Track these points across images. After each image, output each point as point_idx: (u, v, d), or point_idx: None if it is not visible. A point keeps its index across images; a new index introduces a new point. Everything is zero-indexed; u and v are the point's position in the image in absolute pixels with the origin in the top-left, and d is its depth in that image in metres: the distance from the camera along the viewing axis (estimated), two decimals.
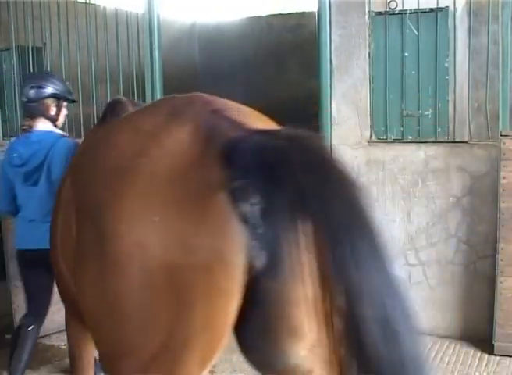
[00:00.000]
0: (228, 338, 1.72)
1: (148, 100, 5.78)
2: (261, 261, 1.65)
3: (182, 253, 1.67)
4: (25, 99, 4.09)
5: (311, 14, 8.63)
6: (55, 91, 4.08)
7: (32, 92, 4.04)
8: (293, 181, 1.65)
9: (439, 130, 4.90)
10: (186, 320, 1.68)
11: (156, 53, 5.74)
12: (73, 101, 4.46)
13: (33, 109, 4.06)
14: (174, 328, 1.69)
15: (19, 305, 5.04)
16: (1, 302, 5.32)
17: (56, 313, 5.27)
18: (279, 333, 1.70)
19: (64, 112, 4.22)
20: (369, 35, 5.01)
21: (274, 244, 1.64)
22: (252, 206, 1.65)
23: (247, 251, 1.65)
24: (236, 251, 1.65)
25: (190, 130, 1.80)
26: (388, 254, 1.73)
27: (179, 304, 1.68)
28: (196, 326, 1.67)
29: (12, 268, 5.00)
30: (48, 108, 4.07)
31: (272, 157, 1.68)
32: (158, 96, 5.78)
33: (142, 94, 5.79)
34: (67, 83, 4.59)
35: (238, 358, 4.75)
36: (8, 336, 5.13)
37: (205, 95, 2.13)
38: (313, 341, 1.70)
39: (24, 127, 4.12)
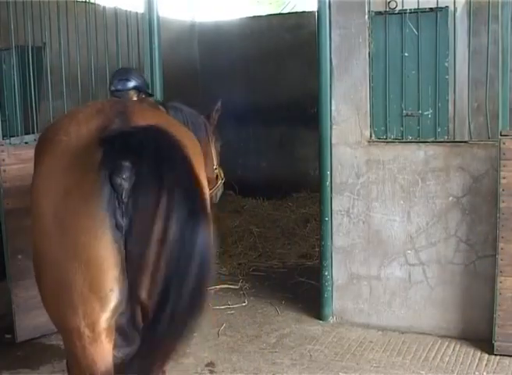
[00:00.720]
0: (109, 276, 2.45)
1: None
2: (125, 224, 2.40)
3: (64, 206, 2.47)
4: (113, 89, 4.84)
5: (310, 14, 8.64)
6: (136, 84, 4.85)
7: (119, 83, 4.79)
8: (146, 164, 2.38)
9: (438, 129, 4.90)
10: (72, 253, 2.46)
11: (156, 53, 5.76)
12: (151, 95, 5.12)
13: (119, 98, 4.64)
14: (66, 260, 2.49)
15: (19, 304, 5.04)
16: (1, 302, 5.32)
17: None
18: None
19: None
20: (369, 35, 5.01)
21: (133, 211, 2.39)
22: (122, 180, 2.37)
23: (114, 214, 2.39)
24: (103, 210, 2.38)
25: (98, 123, 2.62)
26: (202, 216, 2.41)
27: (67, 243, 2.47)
28: (79, 258, 2.45)
29: (13, 268, 5.01)
30: (130, 98, 4.74)
31: (134, 145, 2.40)
32: (158, 95, 5.79)
33: None
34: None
35: (238, 357, 4.78)
36: (8, 336, 5.14)
37: (124, 101, 3.26)
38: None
39: None
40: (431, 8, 4.82)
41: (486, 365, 4.52)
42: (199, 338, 5.17)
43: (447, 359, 4.63)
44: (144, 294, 2.52)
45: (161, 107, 4.39)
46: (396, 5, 4.97)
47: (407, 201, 5.00)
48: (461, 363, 4.56)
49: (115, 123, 2.59)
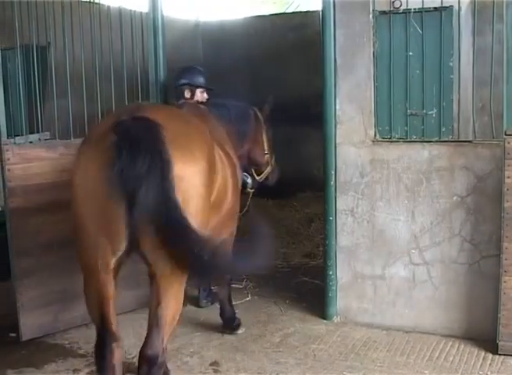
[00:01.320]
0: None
1: (152, 97, 5.80)
2: (126, 194, 3.14)
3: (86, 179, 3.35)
4: (175, 85, 5.57)
5: (314, 13, 8.63)
6: (187, 81, 5.52)
7: (176, 80, 5.57)
8: (134, 148, 3.15)
9: (443, 129, 4.89)
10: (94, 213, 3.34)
11: (160, 52, 5.76)
12: (210, 89, 5.65)
13: (178, 93, 5.52)
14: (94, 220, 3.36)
15: (24, 303, 5.06)
16: (7, 301, 5.33)
17: (61, 312, 5.30)
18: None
19: (198, 96, 5.54)
20: (373, 34, 5.00)
21: (129, 184, 3.13)
22: (122, 160, 3.13)
23: (120, 185, 3.14)
24: (112, 183, 3.14)
25: (113, 120, 3.42)
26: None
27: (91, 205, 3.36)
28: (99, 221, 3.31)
29: (17, 267, 5.02)
30: (182, 93, 5.49)
31: (129, 133, 3.24)
32: (162, 94, 5.79)
33: (146, 93, 5.77)
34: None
35: (242, 357, 4.79)
36: (12, 334, 5.15)
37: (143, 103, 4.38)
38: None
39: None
40: (435, 8, 4.81)
41: (490, 364, 4.52)
42: (203, 337, 5.18)
43: (451, 359, 4.63)
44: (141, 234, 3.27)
45: (201, 106, 5.33)
46: (401, 5, 4.97)
47: (412, 200, 4.99)
48: (465, 363, 4.56)
49: (122, 117, 3.38)
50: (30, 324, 5.12)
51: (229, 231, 4.75)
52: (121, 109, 3.77)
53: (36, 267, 5.13)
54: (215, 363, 4.71)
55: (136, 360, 4.69)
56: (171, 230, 3.14)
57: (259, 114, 5.83)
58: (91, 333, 5.30)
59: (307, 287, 6.23)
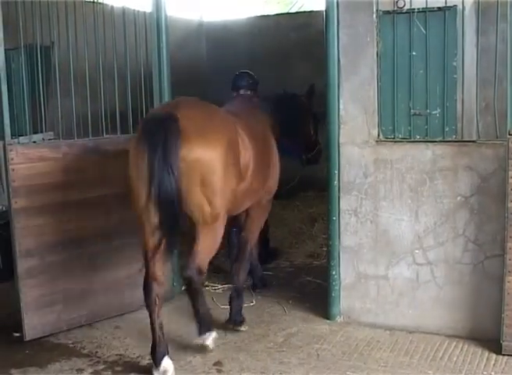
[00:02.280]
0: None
1: (156, 97, 5.81)
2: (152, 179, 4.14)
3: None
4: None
5: (318, 13, 8.62)
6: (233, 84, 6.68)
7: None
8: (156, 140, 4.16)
9: (446, 129, 4.88)
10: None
11: (164, 51, 5.77)
12: (253, 89, 6.63)
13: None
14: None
15: (27, 303, 5.06)
16: (10, 300, 5.34)
17: (64, 312, 5.31)
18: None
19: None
20: (377, 34, 4.99)
21: (153, 172, 4.13)
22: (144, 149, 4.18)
23: (149, 171, 4.15)
24: (145, 171, 4.17)
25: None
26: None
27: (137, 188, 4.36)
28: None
29: (21, 267, 5.03)
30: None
31: (149, 125, 4.34)
32: (166, 93, 5.80)
33: (150, 92, 5.78)
34: None
35: (245, 357, 4.79)
36: (16, 334, 5.16)
37: (180, 99, 4.83)
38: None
39: None
40: (439, 8, 4.80)
41: (494, 365, 4.51)
42: None
43: (455, 359, 4.62)
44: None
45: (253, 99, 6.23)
46: (405, 4, 4.96)
47: (415, 200, 4.99)
48: (469, 363, 4.56)
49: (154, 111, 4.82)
50: (33, 324, 5.13)
51: (258, 201, 5.50)
52: (161, 104, 4.99)
53: (39, 267, 5.14)
54: (218, 363, 4.71)
55: (139, 360, 4.78)
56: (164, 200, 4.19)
57: (305, 100, 6.57)
58: (95, 332, 5.37)
59: (310, 287, 6.24)
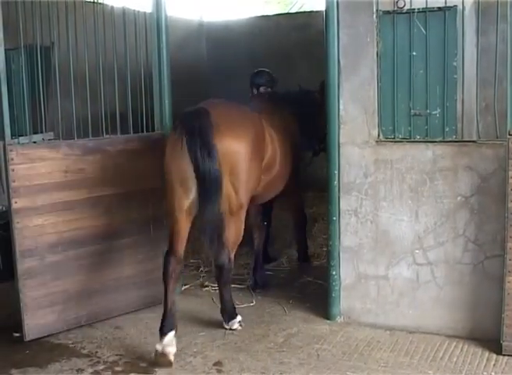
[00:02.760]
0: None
1: (156, 98, 5.81)
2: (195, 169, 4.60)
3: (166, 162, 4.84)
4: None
5: (318, 13, 8.63)
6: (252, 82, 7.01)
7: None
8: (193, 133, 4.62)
9: (446, 129, 4.87)
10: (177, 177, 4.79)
11: (164, 52, 5.78)
12: (270, 87, 6.99)
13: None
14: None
15: (28, 303, 5.06)
16: (10, 301, 5.34)
17: (64, 313, 5.31)
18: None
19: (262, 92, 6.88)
20: (377, 34, 4.99)
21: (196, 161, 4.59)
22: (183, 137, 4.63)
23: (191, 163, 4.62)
24: (189, 163, 4.63)
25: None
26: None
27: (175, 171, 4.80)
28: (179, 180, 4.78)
29: (21, 267, 5.03)
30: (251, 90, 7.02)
31: (186, 120, 4.75)
32: (166, 94, 5.80)
33: (150, 93, 5.78)
34: None
35: (245, 357, 4.79)
36: (16, 334, 5.16)
37: (214, 100, 5.49)
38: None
39: None
40: (439, 8, 4.79)
41: (494, 365, 4.50)
42: (206, 337, 5.18)
43: (455, 359, 4.62)
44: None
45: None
46: (405, 4, 4.95)
47: (415, 200, 4.98)
48: (469, 363, 4.55)
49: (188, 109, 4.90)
50: (33, 324, 5.13)
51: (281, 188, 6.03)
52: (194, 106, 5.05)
53: (39, 267, 5.14)
54: (218, 363, 4.71)
55: (140, 360, 4.78)
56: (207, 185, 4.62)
57: (317, 96, 6.58)
58: (95, 333, 5.37)
59: (311, 287, 6.23)
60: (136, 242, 5.67)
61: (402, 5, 4.98)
